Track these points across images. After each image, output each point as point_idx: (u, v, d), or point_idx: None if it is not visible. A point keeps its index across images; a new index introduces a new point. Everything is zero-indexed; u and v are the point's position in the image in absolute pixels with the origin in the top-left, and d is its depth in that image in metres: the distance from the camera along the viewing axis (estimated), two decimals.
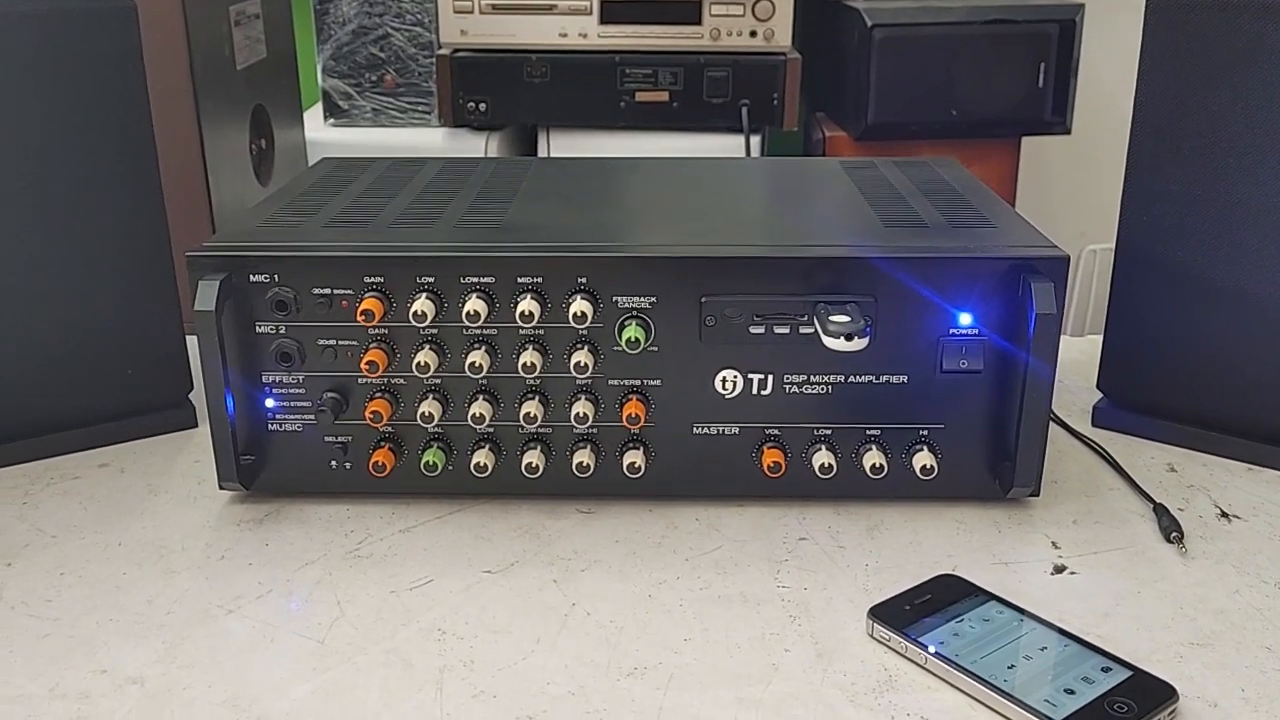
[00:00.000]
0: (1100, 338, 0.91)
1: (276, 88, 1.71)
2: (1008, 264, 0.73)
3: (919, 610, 0.65)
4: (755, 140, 1.91)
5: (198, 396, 0.88)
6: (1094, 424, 0.90)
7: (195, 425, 0.91)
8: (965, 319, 0.73)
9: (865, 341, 0.69)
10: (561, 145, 1.98)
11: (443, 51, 1.93)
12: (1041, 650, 0.62)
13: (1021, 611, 0.65)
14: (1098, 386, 0.90)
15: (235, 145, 1.55)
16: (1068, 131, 1.94)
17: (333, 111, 2.00)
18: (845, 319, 0.69)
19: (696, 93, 1.91)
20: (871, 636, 0.64)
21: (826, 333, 0.69)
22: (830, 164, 0.99)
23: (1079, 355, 1.00)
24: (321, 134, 1.98)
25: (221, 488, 0.77)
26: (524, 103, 1.92)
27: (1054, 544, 0.74)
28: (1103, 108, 2.25)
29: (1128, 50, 2.19)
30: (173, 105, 1.39)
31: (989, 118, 1.91)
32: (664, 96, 1.92)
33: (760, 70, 1.90)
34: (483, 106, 1.92)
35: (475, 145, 1.96)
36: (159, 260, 0.87)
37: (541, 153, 2.00)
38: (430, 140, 1.98)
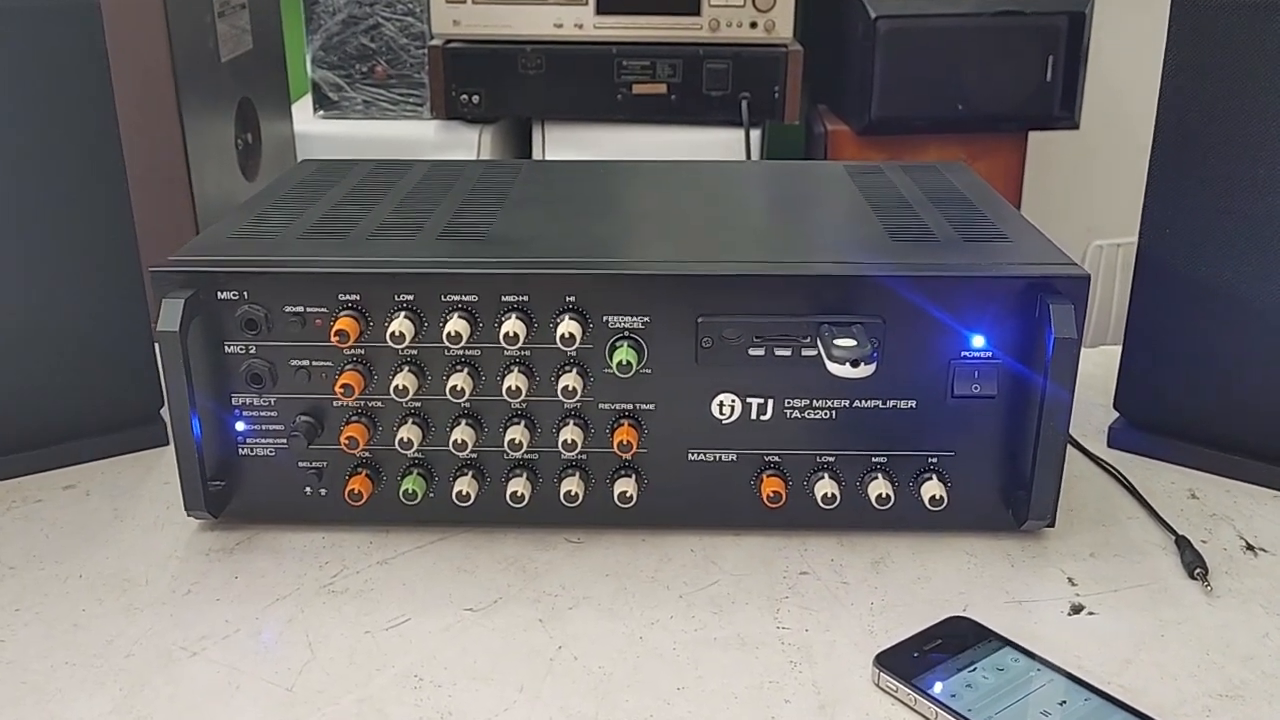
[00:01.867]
0: (1114, 348, 0.86)
1: (263, 80, 1.66)
2: (1024, 283, 0.68)
3: (928, 657, 0.61)
4: (755, 134, 1.87)
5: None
6: (1110, 445, 0.86)
7: (167, 442, 0.86)
8: (978, 341, 0.69)
9: (872, 368, 0.65)
10: (557, 138, 1.93)
11: (435, 42, 1.88)
12: (1060, 705, 0.58)
13: (1037, 659, 0.61)
14: (1114, 406, 0.86)
15: (220, 140, 1.51)
16: (1076, 126, 1.89)
17: (322, 103, 1.95)
18: (851, 344, 0.65)
19: (695, 85, 1.87)
20: (878, 686, 0.60)
21: (831, 358, 0.65)
22: (834, 169, 0.94)
23: (1093, 368, 0.95)
24: (311, 126, 1.93)
25: (189, 515, 0.73)
26: (518, 95, 1.88)
27: (1070, 580, 0.70)
28: (1111, 101, 2.21)
29: (1138, 42, 2.15)
30: (153, 99, 1.34)
31: (996, 112, 1.86)
32: (662, 89, 1.87)
33: (761, 62, 1.85)
34: (476, 99, 1.87)
35: (468, 138, 1.91)
36: (126, 268, 0.83)
37: (536, 146, 1.95)
38: (422, 133, 1.93)
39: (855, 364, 0.64)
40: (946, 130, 1.89)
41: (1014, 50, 1.83)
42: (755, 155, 1.86)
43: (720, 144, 1.88)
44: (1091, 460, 0.83)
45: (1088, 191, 2.29)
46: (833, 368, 0.65)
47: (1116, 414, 0.87)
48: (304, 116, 1.94)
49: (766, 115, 1.88)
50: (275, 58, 1.71)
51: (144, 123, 1.34)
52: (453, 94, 1.87)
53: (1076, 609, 0.67)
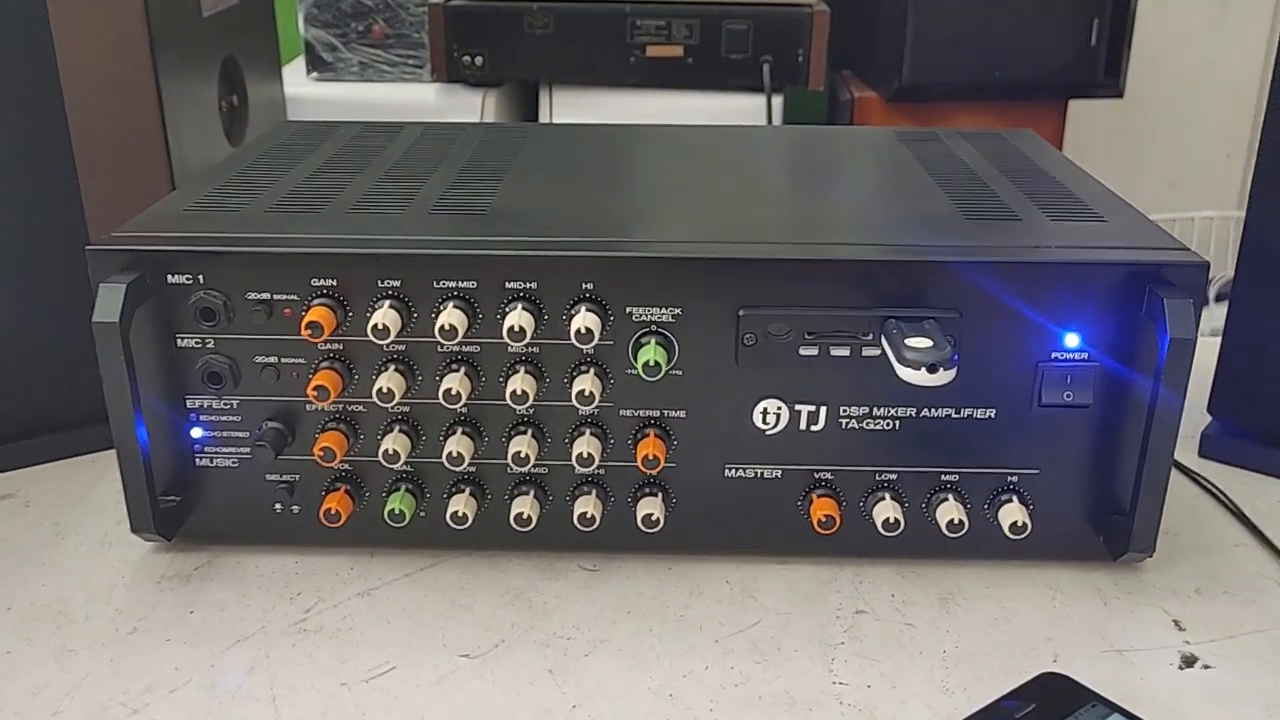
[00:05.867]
0: (1208, 340, 0.75)
1: (250, 37, 1.55)
2: (1127, 271, 0.57)
3: None
4: (777, 101, 1.75)
5: None
6: (1202, 454, 0.75)
7: None
8: (1072, 340, 0.58)
9: (952, 374, 0.53)
10: (565, 104, 1.81)
11: None
12: None
13: None
14: (1209, 409, 0.75)
15: (201, 102, 1.39)
16: (1120, 95, 1.77)
17: (316, 65, 1.83)
18: (926, 344, 0.54)
19: (713, 48, 1.75)
20: None
21: (902, 362, 0.54)
22: (884, 135, 0.83)
23: None
24: (304, 89, 1.81)
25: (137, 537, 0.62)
26: (524, 57, 1.76)
27: (1176, 623, 0.59)
28: (1152, 68, 2.09)
29: (1182, 3, 2.02)
30: (125, 57, 1.22)
31: (1035, 79, 1.74)
32: (678, 51, 1.75)
33: (784, 24, 1.73)
34: (479, 60, 1.75)
35: (471, 102, 1.80)
36: (73, 249, 0.71)
37: (543, 112, 1.83)
38: (422, 97, 1.81)
39: (933, 369, 0.53)
40: (981, 98, 1.77)
41: (1056, 12, 1.71)
42: (777, 123, 1.75)
43: (739, 111, 1.76)
44: (1184, 473, 0.73)
45: (1129, 164, 2.17)
46: (904, 373, 0.54)
47: (1210, 418, 0.76)
48: (296, 79, 1.82)
49: (789, 80, 1.76)
50: (264, 14, 1.59)
51: (115, 83, 1.22)
52: (454, 55, 1.75)
53: (1189, 661, 0.56)
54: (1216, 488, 0.71)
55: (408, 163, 0.73)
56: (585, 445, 0.59)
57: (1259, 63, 2.22)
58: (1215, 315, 1.41)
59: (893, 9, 1.72)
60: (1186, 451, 0.75)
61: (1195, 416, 0.77)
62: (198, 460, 0.62)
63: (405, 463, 0.60)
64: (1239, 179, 2.30)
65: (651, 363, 0.57)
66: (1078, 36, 1.71)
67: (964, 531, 0.60)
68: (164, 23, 1.26)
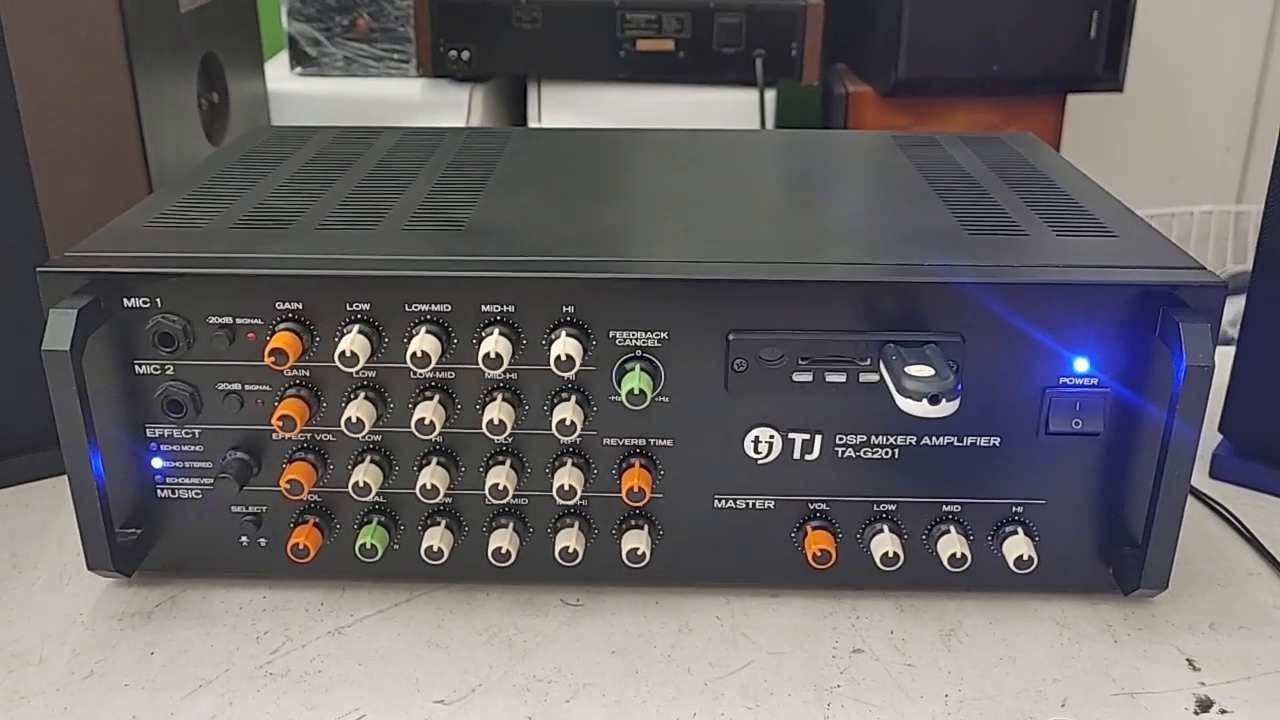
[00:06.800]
0: (1218, 353, 0.72)
1: (231, 33, 1.51)
2: (1139, 292, 0.54)
3: None
4: (770, 96, 1.71)
5: None
6: (1213, 475, 0.72)
7: None
8: (1081, 365, 0.55)
9: (955, 405, 0.50)
10: (554, 99, 1.78)
11: None
12: None
13: None
14: (1220, 428, 0.72)
15: (179, 100, 1.35)
16: (1120, 88, 1.73)
17: (300, 60, 1.79)
18: (928, 373, 0.51)
19: (705, 41, 1.71)
20: None
21: (902, 392, 0.51)
22: (881, 141, 0.80)
23: None
24: (287, 85, 1.77)
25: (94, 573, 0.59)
26: (512, 51, 1.72)
27: (1190, 662, 0.56)
28: (1153, 61, 2.06)
29: None
30: (99, 54, 1.19)
31: (1034, 73, 1.70)
32: (669, 45, 1.71)
33: (777, 17, 1.69)
34: (466, 55, 1.71)
35: (458, 98, 1.76)
36: (28, 259, 0.68)
37: (531, 107, 1.79)
38: (408, 93, 1.77)
39: (935, 400, 0.50)
40: (979, 93, 1.74)
41: (1055, 5, 1.67)
42: (770, 119, 1.71)
43: (731, 106, 1.73)
44: (1194, 496, 0.70)
45: (1129, 159, 2.14)
46: (905, 404, 0.51)
47: (1221, 437, 0.73)
48: (279, 74, 1.78)
49: (783, 75, 1.72)
50: (245, 8, 1.56)
51: (89, 82, 1.19)
52: (441, 50, 1.71)
53: (1205, 705, 0.53)
54: (1229, 512, 0.68)
55: (383, 173, 0.70)
56: (567, 477, 0.56)
57: (1259, 56, 2.19)
58: None
59: (889, 1, 1.68)
60: (1197, 472, 0.71)
61: (1206, 435, 0.73)
62: (159, 491, 0.59)
63: (377, 495, 0.57)
64: (1238, 173, 2.27)
65: (636, 390, 0.54)
66: (1077, 30, 1.67)
67: (966, 565, 0.57)
68: (140, 18, 1.22)
